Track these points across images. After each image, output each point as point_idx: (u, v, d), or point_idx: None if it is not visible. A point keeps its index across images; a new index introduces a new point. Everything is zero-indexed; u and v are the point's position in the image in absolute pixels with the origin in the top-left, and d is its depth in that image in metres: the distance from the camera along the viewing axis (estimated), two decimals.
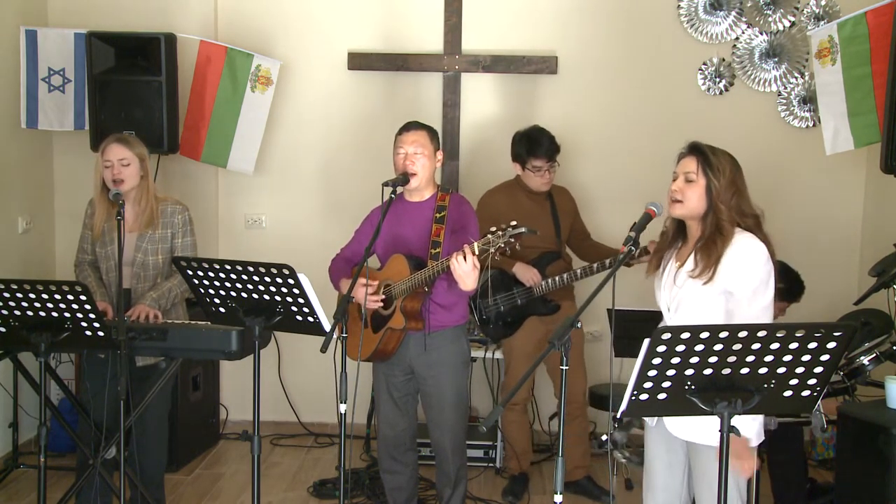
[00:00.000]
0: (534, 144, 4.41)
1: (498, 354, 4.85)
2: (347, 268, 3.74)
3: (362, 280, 3.47)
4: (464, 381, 3.72)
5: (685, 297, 2.81)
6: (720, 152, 2.82)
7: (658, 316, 2.97)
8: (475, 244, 3.18)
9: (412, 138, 3.59)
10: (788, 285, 4.09)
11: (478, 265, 3.22)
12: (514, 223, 3.11)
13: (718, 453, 2.35)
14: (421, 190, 3.63)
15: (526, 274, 4.39)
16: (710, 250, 2.74)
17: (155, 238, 3.75)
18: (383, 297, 3.59)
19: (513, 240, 3.09)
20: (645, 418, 2.94)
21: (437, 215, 3.58)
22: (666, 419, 2.84)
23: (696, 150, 2.82)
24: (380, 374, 3.73)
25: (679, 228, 2.91)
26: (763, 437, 2.80)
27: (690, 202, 2.78)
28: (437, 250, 3.51)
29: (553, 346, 2.40)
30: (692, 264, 2.78)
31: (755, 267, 2.72)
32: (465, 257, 3.19)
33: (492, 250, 3.12)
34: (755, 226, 2.79)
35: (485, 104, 5.29)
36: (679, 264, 2.85)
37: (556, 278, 4.39)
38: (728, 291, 2.74)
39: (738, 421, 2.56)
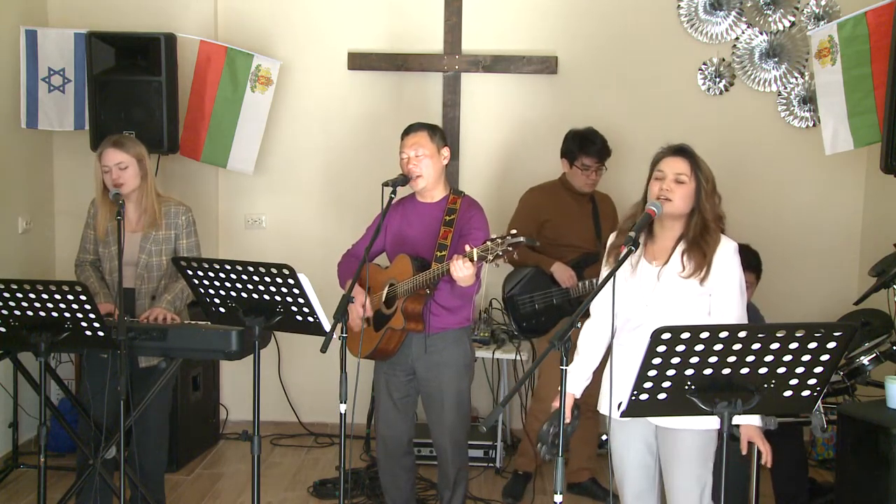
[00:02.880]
0: (587, 142, 4.44)
1: (499, 354, 4.84)
2: (355, 267, 3.74)
3: (361, 297, 3.49)
4: (466, 384, 3.71)
5: (669, 295, 2.86)
6: (701, 158, 2.93)
7: None
8: (473, 251, 3.18)
9: (412, 140, 3.59)
10: (749, 258, 4.12)
11: (473, 268, 3.24)
12: (513, 232, 3.12)
13: (719, 452, 2.35)
14: (431, 191, 3.63)
15: (563, 274, 4.38)
16: (702, 250, 2.84)
17: (159, 238, 3.75)
18: (369, 316, 3.60)
19: (511, 249, 3.10)
20: (609, 413, 2.94)
21: (447, 218, 3.58)
22: None
23: (686, 153, 2.92)
24: (381, 375, 3.73)
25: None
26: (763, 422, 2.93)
27: (679, 202, 2.86)
28: (443, 253, 3.50)
29: (553, 346, 2.41)
30: (680, 265, 2.85)
31: (737, 267, 2.87)
32: (461, 262, 3.20)
33: (490, 258, 3.13)
34: (722, 227, 2.93)
35: (485, 104, 5.29)
36: (659, 262, 2.90)
37: (594, 280, 4.37)
38: (712, 290, 2.84)
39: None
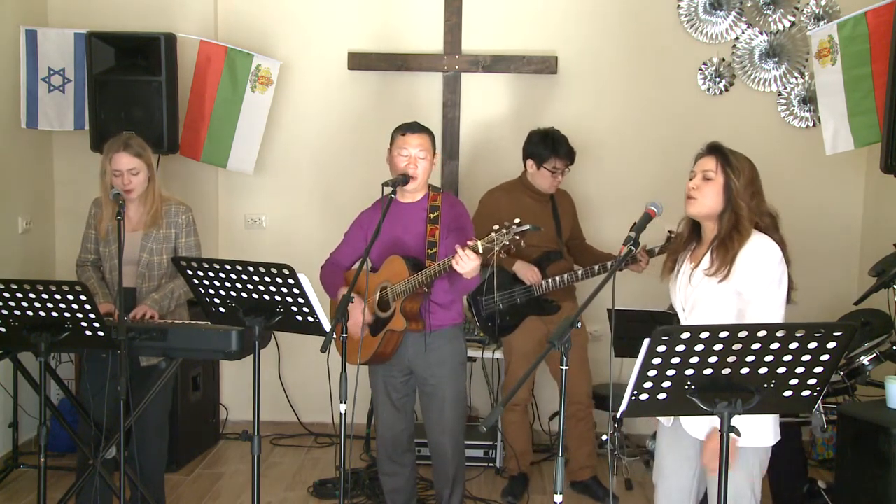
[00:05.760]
0: (557, 145, 4.43)
1: (498, 354, 4.84)
2: (340, 276, 3.74)
3: (360, 306, 3.49)
4: (463, 381, 3.74)
5: (700, 297, 2.81)
6: (739, 154, 2.85)
7: (657, 316, 2.98)
8: (479, 243, 3.18)
9: (417, 141, 3.58)
10: None
11: (479, 260, 3.23)
12: (517, 221, 3.11)
13: (719, 453, 2.35)
14: (414, 192, 3.64)
15: (526, 272, 4.39)
16: (727, 248, 2.75)
17: (160, 238, 3.76)
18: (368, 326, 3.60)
19: (518, 237, 3.10)
20: (660, 418, 2.93)
21: (431, 215, 3.59)
22: (682, 417, 2.84)
23: (716, 149, 2.85)
24: (378, 378, 3.73)
25: (694, 230, 2.91)
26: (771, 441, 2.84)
27: (707, 200, 2.80)
28: (434, 250, 3.52)
29: (553, 346, 2.40)
30: (708, 262, 2.79)
31: (768, 267, 2.73)
32: (466, 254, 3.19)
33: (496, 248, 3.12)
34: (772, 226, 2.82)
35: (485, 104, 5.29)
36: (694, 265, 2.85)
37: (557, 278, 4.39)
38: (739, 291, 2.74)
39: (750, 427, 2.57)
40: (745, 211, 2.76)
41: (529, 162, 4.49)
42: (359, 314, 3.49)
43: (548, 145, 4.43)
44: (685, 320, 2.85)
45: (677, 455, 2.92)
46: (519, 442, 4.62)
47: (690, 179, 2.85)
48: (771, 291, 2.72)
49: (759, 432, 2.71)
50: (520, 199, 4.48)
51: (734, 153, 2.84)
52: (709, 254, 2.80)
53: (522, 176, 4.55)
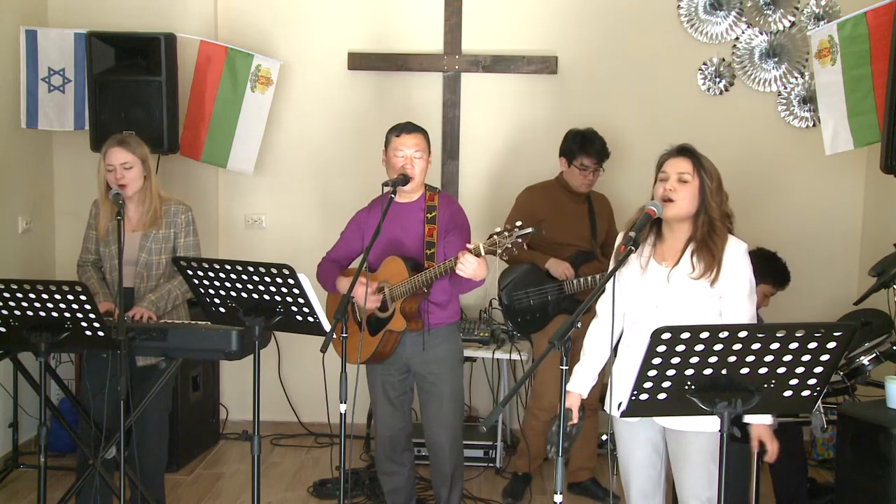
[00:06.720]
0: (587, 143, 4.45)
1: (498, 354, 4.84)
2: (337, 270, 3.74)
3: (361, 279, 3.46)
4: (461, 379, 3.74)
5: (680, 297, 2.84)
6: (705, 157, 2.91)
7: None
8: (480, 246, 3.18)
9: (413, 141, 3.59)
10: (774, 268, 4.13)
11: (483, 260, 3.23)
12: (519, 223, 3.12)
13: (719, 452, 2.35)
14: (411, 192, 3.64)
15: (558, 268, 4.40)
16: (711, 251, 2.81)
17: (159, 238, 3.76)
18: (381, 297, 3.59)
19: (520, 240, 3.10)
20: (613, 412, 2.93)
21: (428, 215, 3.59)
22: None
23: (689, 152, 2.90)
24: (376, 378, 3.73)
25: (653, 224, 2.93)
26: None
27: (684, 202, 2.84)
28: (432, 250, 3.53)
29: (553, 346, 2.40)
30: (690, 266, 2.83)
31: (747, 268, 2.84)
32: (469, 260, 3.19)
33: (499, 251, 3.13)
34: (730, 227, 2.90)
35: (485, 104, 5.29)
36: (669, 264, 2.88)
37: (589, 277, 4.38)
38: (722, 292, 2.81)
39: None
40: (717, 213, 2.84)
41: (562, 160, 4.52)
42: (361, 290, 3.45)
43: (577, 143, 4.46)
44: (658, 318, 2.83)
45: (644, 449, 2.97)
46: (535, 445, 4.60)
47: (662, 181, 2.88)
48: (752, 290, 2.85)
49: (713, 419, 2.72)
50: (556, 198, 4.51)
51: (702, 156, 2.89)
52: (688, 256, 2.85)
53: (559, 175, 4.57)
